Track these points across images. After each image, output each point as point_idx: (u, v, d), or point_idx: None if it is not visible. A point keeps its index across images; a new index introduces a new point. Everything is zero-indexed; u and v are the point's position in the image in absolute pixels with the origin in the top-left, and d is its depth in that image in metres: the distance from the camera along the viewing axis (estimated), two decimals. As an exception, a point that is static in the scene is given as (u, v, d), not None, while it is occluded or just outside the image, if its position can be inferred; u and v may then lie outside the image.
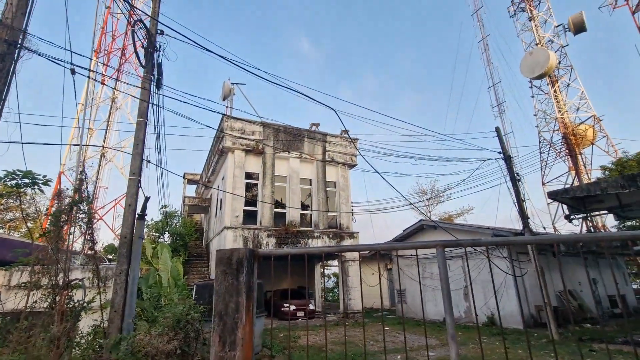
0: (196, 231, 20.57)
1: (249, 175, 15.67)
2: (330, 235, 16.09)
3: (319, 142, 16.98)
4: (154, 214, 39.71)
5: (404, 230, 17.62)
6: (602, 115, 20.62)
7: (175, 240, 17.69)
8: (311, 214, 16.59)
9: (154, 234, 18.20)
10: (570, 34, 22.02)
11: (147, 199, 5.63)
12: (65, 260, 4.07)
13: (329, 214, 16.67)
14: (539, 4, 23.92)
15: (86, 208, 4.71)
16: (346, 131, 17.59)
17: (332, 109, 9.80)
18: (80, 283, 4.47)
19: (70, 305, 4.25)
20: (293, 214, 15.69)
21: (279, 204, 16.40)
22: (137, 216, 5.50)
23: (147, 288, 7.62)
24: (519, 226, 16.13)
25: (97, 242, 5.37)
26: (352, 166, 17.80)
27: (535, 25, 23.06)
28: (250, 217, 15.21)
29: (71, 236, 4.55)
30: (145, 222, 20.37)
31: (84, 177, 4.76)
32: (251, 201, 15.58)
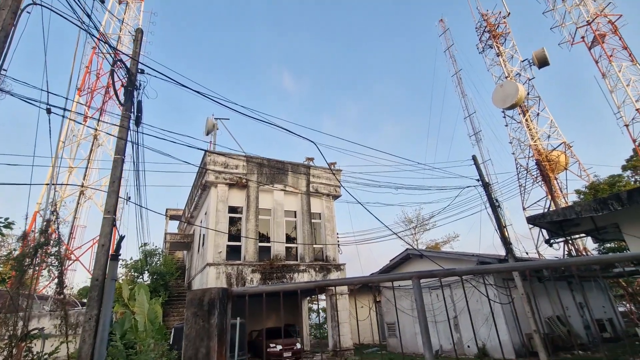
0: (178, 269, 19.94)
1: (232, 209, 15.49)
2: (317, 269, 15.78)
3: (302, 174, 17.08)
4: (133, 253, 38.41)
5: (390, 261, 17.57)
6: (572, 141, 21.69)
7: (155, 280, 16.96)
8: (297, 247, 16.31)
9: (133, 274, 17.44)
10: (535, 67, 23.63)
11: (121, 238, 5.43)
12: (26, 308, 3.77)
13: (314, 246, 16.47)
14: (504, 41, 25.75)
15: (55, 250, 4.46)
16: (332, 164, 17.91)
17: (313, 142, 9.88)
18: (40, 333, 4.12)
19: (29, 359, 3.88)
20: (278, 248, 15.42)
21: (263, 238, 16.09)
22: (110, 257, 5.26)
23: (122, 334, 7.13)
24: (504, 252, 16.35)
25: (67, 286, 5.06)
26: (336, 197, 17.87)
27: (503, 60, 24.67)
28: (234, 252, 14.85)
29: (37, 280, 4.26)
30: (124, 262, 19.44)
31: (53, 218, 4.55)
32: (235, 236, 15.26)
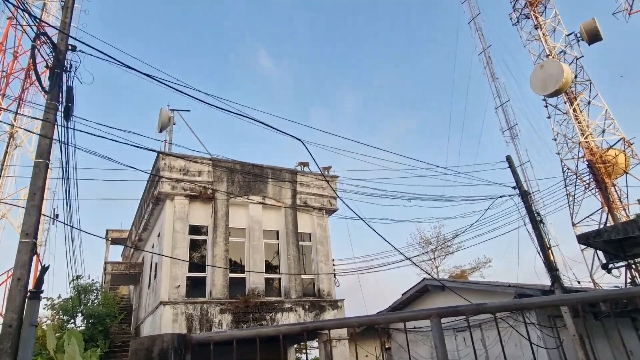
0: (122, 310, 19.77)
1: (194, 230, 15.46)
2: (306, 307, 15.77)
3: (287, 183, 17.14)
4: (62, 290, 37.68)
5: (402, 295, 17.99)
6: (632, 137, 22.07)
7: (92, 325, 16.75)
8: (280, 279, 16.30)
9: (61, 317, 17.17)
10: (584, 43, 24.16)
11: (44, 269, 5.33)
12: None
13: (303, 277, 16.46)
14: (544, 10, 26.34)
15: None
16: (327, 168, 17.97)
17: (299, 140, 9.95)
18: None
19: None
20: (255, 280, 15.39)
21: (236, 267, 15.98)
22: (29, 294, 5.15)
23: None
24: (549, 280, 16.46)
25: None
26: (331, 212, 17.93)
27: (543, 34, 25.20)
28: (196, 286, 14.74)
29: None
30: (50, 302, 19.05)
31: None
32: (198, 265, 15.16)
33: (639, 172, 21.75)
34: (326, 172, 17.62)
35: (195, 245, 15.58)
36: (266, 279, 15.86)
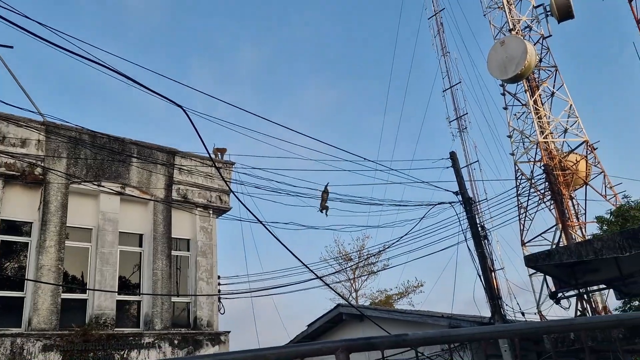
0: None
1: (10, 227, 14.32)
2: (176, 341, 15.19)
3: (160, 167, 16.33)
4: None
5: (308, 326, 17.79)
6: (596, 141, 23.72)
7: None
8: (140, 302, 15.62)
9: None
10: (554, 21, 25.59)
11: None
12: None
13: (175, 300, 15.94)
14: (510, -27, 27.44)
15: None
16: (219, 151, 17.36)
17: (179, 106, 9.14)
18: None
19: None
20: (103, 303, 14.51)
21: (74, 283, 15.19)
22: None
23: None
24: (489, 311, 17.04)
25: None
26: (221, 211, 17.50)
27: (508, 1, 26.21)
28: (7, 311, 13.77)
29: None
30: None
31: None
32: (12, 280, 14.17)
33: (599, 184, 23.54)
34: (218, 156, 17.16)
35: (10, 251, 14.56)
36: (119, 302, 15.27)
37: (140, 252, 16.10)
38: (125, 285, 15.86)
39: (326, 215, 16.41)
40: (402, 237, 17.54)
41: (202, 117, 11.41)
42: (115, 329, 14.40)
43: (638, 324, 2.37)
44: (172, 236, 16.34)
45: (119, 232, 15.45)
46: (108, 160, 15.53)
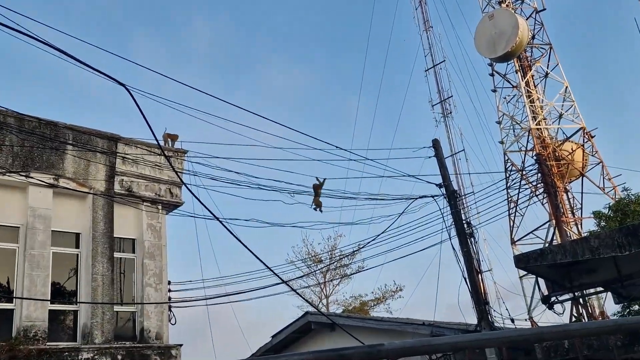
0: None
1: None
2: (119, 357, 14.60)
3: (100, 156, 15.79)
4: None
5: (272, 337, 17.35)
6: (594, 128, 23.36)
7: None
8: (77, 312, 15.10)
9: None
10: (549, -7, 25.10)
11: None
12: None
13: (118, 309, 15.49)
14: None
15: None
16: (170, 138, 16.91)
17: (122, 84, 8.88)
18: None
19: None
20: (33, 313, 14.05)
21: None
22: None
23: None
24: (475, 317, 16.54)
25: None
26: (172, 206, 16.97)
27: (498, -32, 25.71)
28: None
29: None
30: None
31: None
32: None
33: (597, 175, 23.12)
34: (169, 143, 16.66)
35: None
36: (52, 311, 14.82)
37: (77, 254, 15.63)
38: (60, 293, 15.50)
39: (320, 211, 16.12)
40: (378, 235, 17.29)
41: (148, 97, 10.91)
42: (48, 343, 14.04)
43: (638, 329, 2.25)
44: (115, 235, 15.94)
45: (52, 230, 14.97)
46: (39, 148, 15.00)
